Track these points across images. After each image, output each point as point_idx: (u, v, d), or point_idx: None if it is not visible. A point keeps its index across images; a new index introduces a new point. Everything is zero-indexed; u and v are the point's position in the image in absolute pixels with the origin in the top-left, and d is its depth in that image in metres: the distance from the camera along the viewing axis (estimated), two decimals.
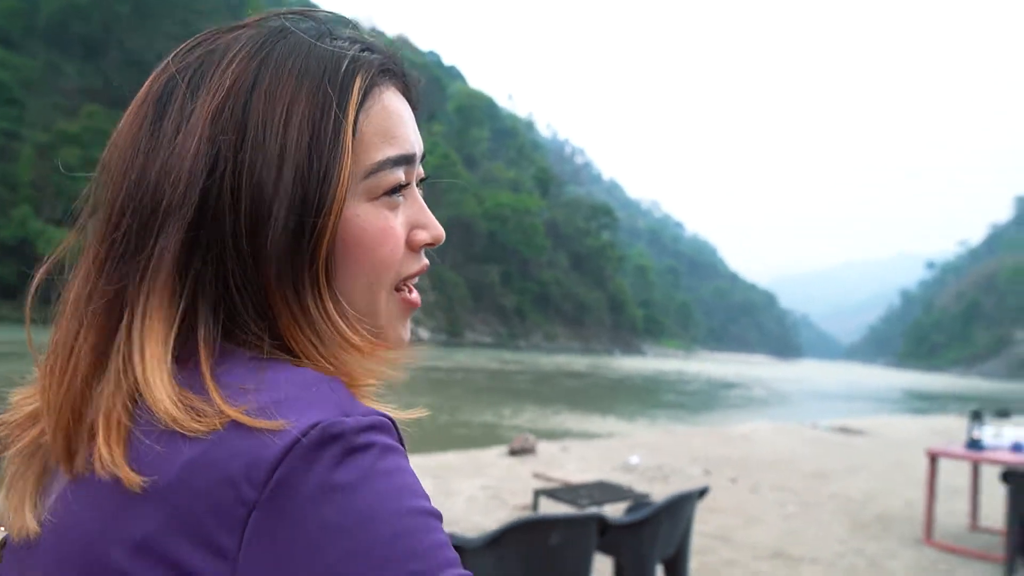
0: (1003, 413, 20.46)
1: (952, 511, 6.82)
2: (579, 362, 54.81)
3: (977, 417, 5.78)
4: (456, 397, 19.18)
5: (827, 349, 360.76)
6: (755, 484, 7.35)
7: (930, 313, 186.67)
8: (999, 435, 6.03)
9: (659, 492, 6.57)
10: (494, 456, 7.54)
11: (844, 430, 12.22)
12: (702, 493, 3.64)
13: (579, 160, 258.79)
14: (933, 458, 5.76)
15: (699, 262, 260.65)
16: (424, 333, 76.44)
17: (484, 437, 10.12)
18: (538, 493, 5.12)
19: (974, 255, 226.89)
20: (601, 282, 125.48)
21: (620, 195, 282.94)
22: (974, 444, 5.72)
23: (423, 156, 0.61)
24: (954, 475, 7.09)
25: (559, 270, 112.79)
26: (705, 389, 35.62)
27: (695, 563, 4.62)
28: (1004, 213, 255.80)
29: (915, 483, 7.26)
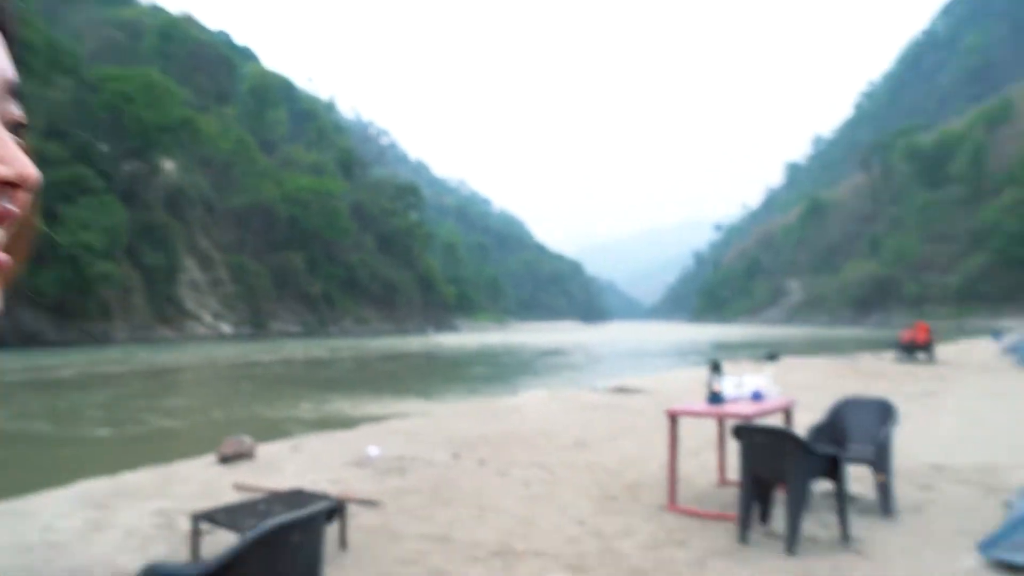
0: (772, 356, 21.80)
1: (707, 466, 6.51)
2: (390, 344, 53.48)
3: (716, 369, 5.38)
4: (246, 392, 17.46)
5: (632, 311, 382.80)
6: (507, 464, 6.69)
7: (718, 271, 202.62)
8: (741, 385, 5.70)
9: (391, 487, 5.68)
10: (198, 467, 6.33)
11: (622, 390, 12.07)
12: (331, 514, 2.73)
13: (384, 141, 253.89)
14: (673, 418, 5.30)
15: (507, 236, 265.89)
16: (226, 328, 71.58)
17: (266, 431, 8.82)
18: (197, 518, 4.02)
19: (754, 217, 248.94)
20: (410, 262, 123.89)
21: (427, 174, 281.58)
22: (714, 398, 5.32)
23: (17, 91, 0.48)
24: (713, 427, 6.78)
25: (366, 252, 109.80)
26: (521, 359, 35.68)
27: None
28: (777, 178, 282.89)
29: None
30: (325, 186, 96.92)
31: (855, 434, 5.37)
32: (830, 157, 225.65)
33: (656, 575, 3.88)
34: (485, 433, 8.24)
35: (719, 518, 4.90)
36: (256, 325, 75.53)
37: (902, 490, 5.47)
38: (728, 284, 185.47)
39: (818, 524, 4.72)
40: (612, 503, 5.38)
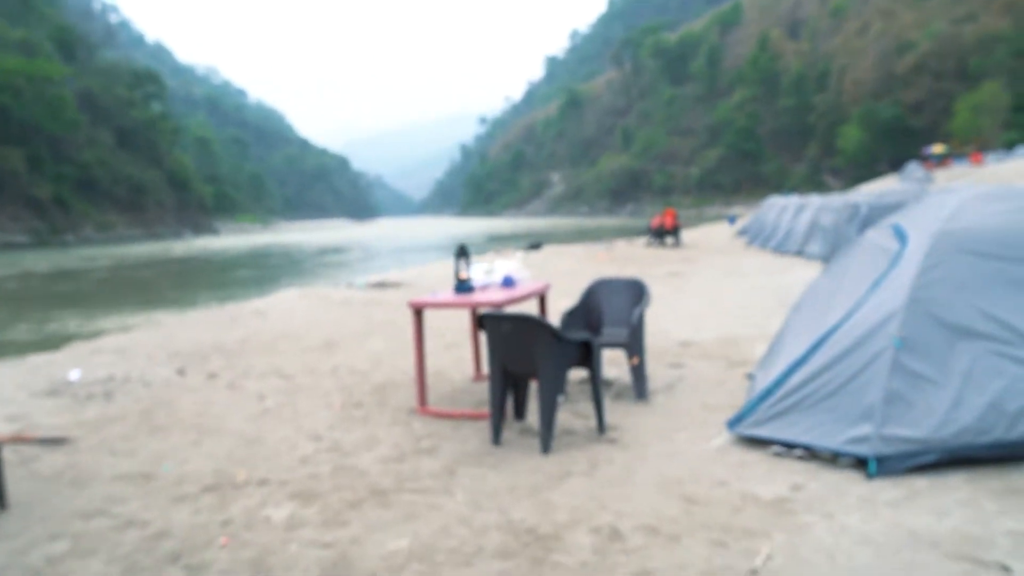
0: (535, 245, 22.27)
1: (463, 361, 6.12)
2: (139, 250, 48.49)
3: (463, 255, 4.87)
4: None
5: (401, 206, 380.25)
6: (240, 375, 5.86)
7: (484, 164, 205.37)
8: (491, 272, 5.27)
9: (90, 417, 4.67)
10: None
11: (381, 285, 11.47)
12: None
13: (113, 19, 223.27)
14: (418, 311, 4.76)
15: (267, 130, 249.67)
16: None
17: None
18: None
19: (516, 110, 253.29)
20: (157, 159, 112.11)
21: (169, 60, 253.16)
22: (461, 286, 4.83)
23: None
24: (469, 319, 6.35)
25: (103, 149, 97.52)
26: (285, 260, 33.70)
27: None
28: (537, 72, 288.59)
29: (433, 334, 6.45)
30: (40, 69, 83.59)
31: (609, 317, 5.18)
32: (586, 52, 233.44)
33: (398, 494, 3.37)
34: (221, 342, 7.28)
35: (473, 418, 4.52)
36: None
37: (654, 370, 5.44)
38: (494, 177, 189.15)
39: (574, 415, 4.50)
40: (356, 411, 4.81)
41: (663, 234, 21.46)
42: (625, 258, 17.20)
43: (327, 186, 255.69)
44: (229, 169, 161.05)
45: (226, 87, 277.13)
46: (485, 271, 5.21)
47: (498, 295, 4.66)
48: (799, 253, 15.73)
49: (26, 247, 66.12)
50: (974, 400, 3.31)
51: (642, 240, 23.48)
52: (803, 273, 12.08)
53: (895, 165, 68.37)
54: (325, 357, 6.54)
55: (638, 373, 4.73)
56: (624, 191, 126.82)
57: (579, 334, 4.22)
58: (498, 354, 3.92)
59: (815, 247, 14.91)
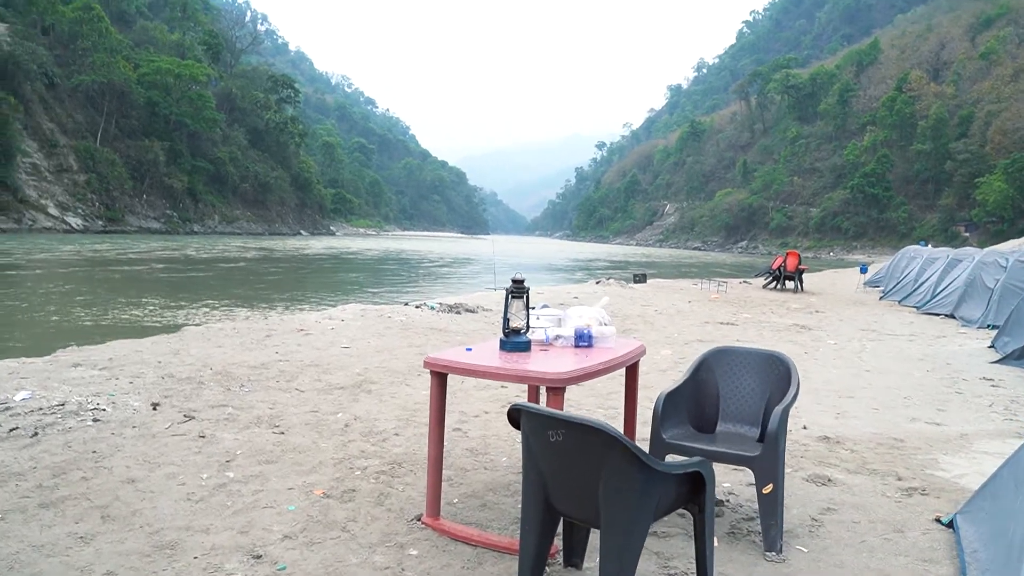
0: (640, 277, 20.41)
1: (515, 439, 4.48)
2: (256, 245, 49.56)
3: (519, 292, 3.28)
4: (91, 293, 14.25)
5: (512, 224, 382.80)
6: (224, 419, 4.46)
7: (599, 189, 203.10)
8: (562, 321, 3.66)
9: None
10: None
11: (455, 308, 10.01)
12: None
13: (261, 27, 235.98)
14: (440, 376, 3.16)
15: (390, 140, 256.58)
16: (75, 221, 64.70)
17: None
18: None
19: (636, 137, 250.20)
20: (285, 160, 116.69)
21: (307, 68, 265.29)
22: (511, 342, 3.24)
23: None
24: None
25: (236, 147, 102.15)
26: (385, 267, 33.15)
27: None
28: (659, 101, 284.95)
29: (479, 382, 4.87)
30: (189, 70, 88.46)
31: (729, 408, 3.46)
32: (711, 83, 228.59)
33: None
34: (233, 365, 5.96)
35: (504, 551, 2.91)
36: (110, 219, 69.06)
37: (787, 486, 3.68)
38: (607, 202, 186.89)
39: (659, 562, 2.82)
40: (339, 506, 3.28)
41: (784, 277, 19.21)
42: (741, 301, 15.15)
43: (443, 198, 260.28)
44: (351, 174, 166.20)
45: (356, 96, 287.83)
46: (554, 320, 3.61)
47: (562, 362, 3.04)
48: (951, 316, 13.27)
49: (157, 233, 69.28)
50: None
51: (758, 281, 21.23)
52: (969, 344, 9.83)
53: None
54: (346, 404, 5.07)
55: (770, 507, 2.99)
56: (739, 227, 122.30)
57: (682, 461, 2.49)
58: (539, 478, 2.30)
59: (974, 311, 12.46)
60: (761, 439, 3.23)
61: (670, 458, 3.19)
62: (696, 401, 3.45)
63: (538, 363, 3.01)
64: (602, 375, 3.11)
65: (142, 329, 10.05)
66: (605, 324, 3.63)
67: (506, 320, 3.27)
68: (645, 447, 3.21)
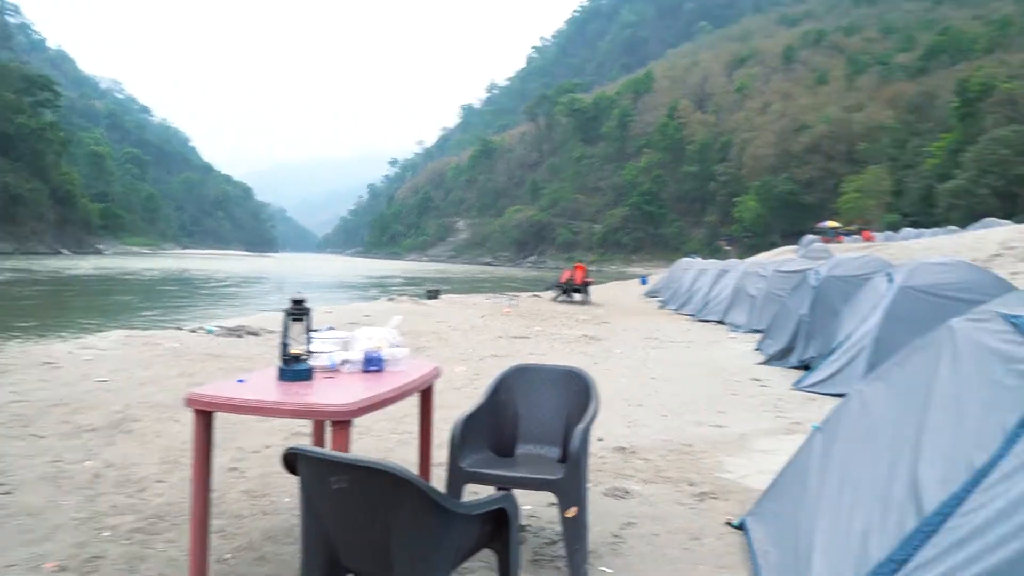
0: (433, 293, 20.26)
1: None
2: (6, 265, 43.66)
3: (299, 314, 2.91)
4: None
5: (303, 241, 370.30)
6: None
7: (392, 206, 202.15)
8: (349, 343, 3.33)
9: None
10: None
11: (237, 331, 9.25)
12: None
13: (12, 20, 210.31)
14: (204, 414, 2.71)
15: (168, 152, 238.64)
16: None
17: None
18: None
19: (429, 154, 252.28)
20: (42, 170, 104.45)
21: (70, 69, 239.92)
22: (291, 371, 2.87)
23: None
24: None
25: None
26: (153, 289, 30.38)
27: None
28: (452, 119, 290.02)
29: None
30: None
31: (530, 429, 3.31)
32: (502, 104, 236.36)
33: None
34: None
35: None
36: None
37: (590, 502, 3.59)
38: (400, 219, 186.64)
39: None
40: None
41: (572, 289, 19.97)
42: (533, 314, 15.48)
43: (227, 214, 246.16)
44: (123, 188, 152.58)
45: (129, 103, 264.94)
46: (339, 344, 3.27)
47: (349, 391, 2.71)
48: (721, 322, 14.40)
49: None
50: None
51: (548, 294, 21.92)
52: (738, 347, 10.64)
53: (787, 237, 70.89)
54: (98, 448, 4.36)
55: (574, 531, 2.85)
56: (528, 243, 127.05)
57: (483, 499, 2.25)
58: (321, 531, 1.96)
59: (740, 316, 13.60)
60: (563, 459, 3.10)
61: (469, 489, 2.97)
62: (495, 423, 3.25)
63: (321, 393, 2.67)
64: (394, 402, 2.82)
65: None
66: (397, 345, 3.35)
67: (284, 345, 2.89)
68: (442, 473, 2.96)
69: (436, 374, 3.34)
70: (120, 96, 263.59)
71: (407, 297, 17.53)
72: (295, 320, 2.90)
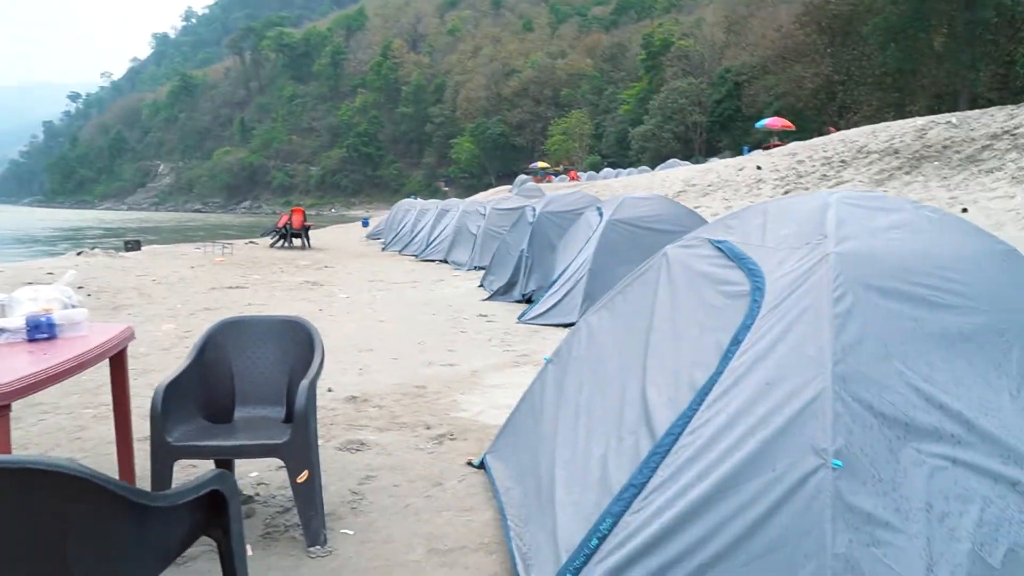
0: (133, 244, 18.24)
1: None
2: None
3: None
4: None
5: None
6: None
7: (76, 147, 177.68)
8: (7, 304, 2.71)
9: None
10: None
11: None
12: None
13: None
14: None
15: None
16: None
17: None
18: None
19: (117, 89, 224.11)
20: None
21: None
22: None
23: None
24: None
25: None
26: None
27: None
28: (144, 50, 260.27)
29: None
30: None
31: (249, 388, 2.94)
32: (202, 35, 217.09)
33: None
34: None
35: None
36: None
37: (322, 463, 3.32)
38: (89, 163, 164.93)
39: None
40: None
41: (291, 234, 19.03)
42: (249, 262, 14.48)
43: None
44: None
45: None
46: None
47: (9, 366, 2.17)
48: (444, 261, 14.59)
49: None
50: (951, 553, 1.86)
51: (265, 240, 20.73)
52: (463, 284, 10.81)
53: (501, 177, 74.42)
54: None
55: (307, 496, 2.58)
56: (241, 187, 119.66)
57: (190, 483, 1.85)
58: None
59: (462, 255, 13.86)
60: (288, 420, 2.80)
61: (184, 465, 2.57)
62: (206, 387, 2.84)
63: None
64: (73, 375, 2.32)
65: None
66: (73, 306, 2.78)
67: None
68: (146, 449, 2.53)
69: (128, 335, 2.83)
70: None
71: (100, 251, 15.48)
72: None
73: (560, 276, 7.47)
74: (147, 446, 2.51)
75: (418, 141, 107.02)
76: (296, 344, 2.95)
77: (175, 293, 9.50)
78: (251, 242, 20.85)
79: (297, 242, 18.89)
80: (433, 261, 14.86)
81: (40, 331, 2.56)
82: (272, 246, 18.95)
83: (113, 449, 2.90)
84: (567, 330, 6.68)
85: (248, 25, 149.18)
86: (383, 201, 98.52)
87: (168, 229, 43.49)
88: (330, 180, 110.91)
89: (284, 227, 19.00)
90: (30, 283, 8.99)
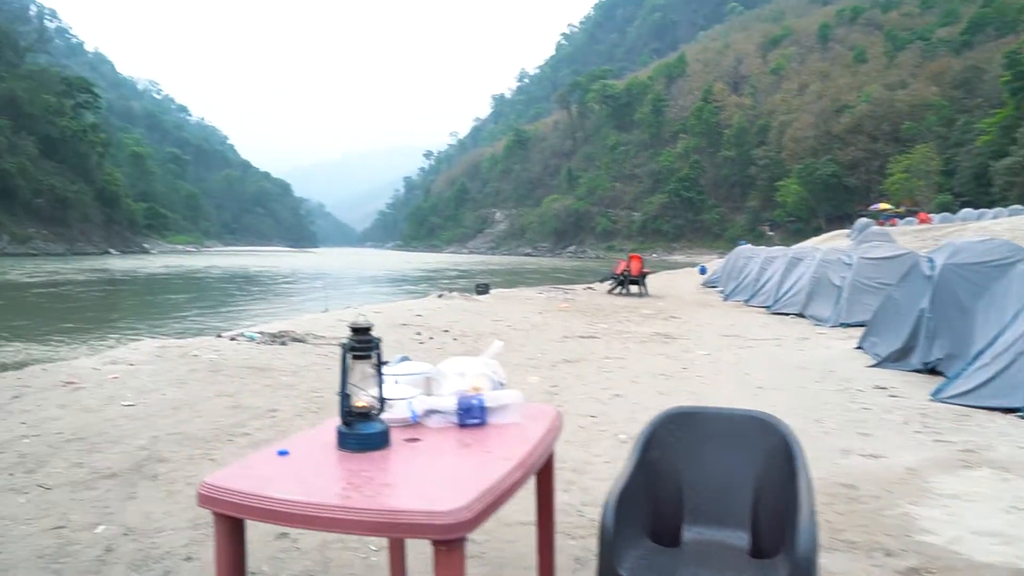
0: (482, 288, 19.37)
1: None
2: (52, 267, 43.95)
3: (366, 347, 1.96)
4: None
5: (342, 236, 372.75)
6: None
7: (428, 199, 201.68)
8: (437, 379, 2.38)
9: None
10: None
11: (279, 338, 8.37)
12: None
13: (49, 24, 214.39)
14: (233, 523, 1.77)
15: (207, 150, 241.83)
16: None
17: None
18: None
19: (462, 145, 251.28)
20: (86, 172, 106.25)
21: (108, 72, 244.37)
22: (359, 435, 1.91)
23: None
24: None
25: (24, 157, 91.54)
26: (199, 287, 30.00)
27: None
28: (484, 110, 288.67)
29: None
30: None
31: (702, 503, 2.30)
32: (533, 93, 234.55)
33: None
34: None
35: None
36: None
37: None
38: (437, 212, 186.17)
39: None
40: None
41: (629, 281, 18.86)
42: (592, 309, 14.42)
43: (267, 211, 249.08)
44: (165, 187, 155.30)
45: (167, 103, 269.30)
46: (412, 379, 2.31)
47: (451, 473, 1.75)
48: (800, 315, 13.16)
49: None
50: None
51: (602, 286, 20.85)
52: (834, 345, 9.45)
53: (832, 221, 68.65)
54: (115, 505, 3.47)
55: None
56: (568, 232, 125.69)
57: None
58: None
59: (823, 310, 12.34)
60: (755, 551, 2.10)
61: None
62: (651, 499, 2.26)
63: (409, 486, 1.69)
64: (522, 486, 1.85)
65: None
66: (502, 384, 2.38)
67: (344, 396, 1.93)
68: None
69: (558, 424, 2.35)
70: (158, 96, 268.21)
71: (457, 293, 16.57)
72: (359, 358, 1.94)
73: (991, 345, 5.97)
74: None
75: (741, 184, 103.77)
76: (764, 449, 2.25)
77: (531, 340, 9.52)
78: (589, 287, 21.11)
79: (634, 288, 18.67)
80: (787, 315, 13.51)
81: (472, 415, 2.16)
82: (610, 292, 18.93)
83: (531, 563, 2.42)
84: (1009, 415, 5.26)
85: (574, 80, 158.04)
86: (704, 246, 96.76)
87: (505, 271, 46.60)
88: (651, 225, 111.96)
89: (622, 273, 18.90)
90: (404, 325, 9.52)
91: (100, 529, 3.21)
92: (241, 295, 25.81)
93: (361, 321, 1.92)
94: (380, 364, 1.95)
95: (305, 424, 4.92)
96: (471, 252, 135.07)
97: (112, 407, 5.33)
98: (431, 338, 9.23)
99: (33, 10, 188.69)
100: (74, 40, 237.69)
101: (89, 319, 16.00)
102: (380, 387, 1.95)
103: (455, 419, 2.16)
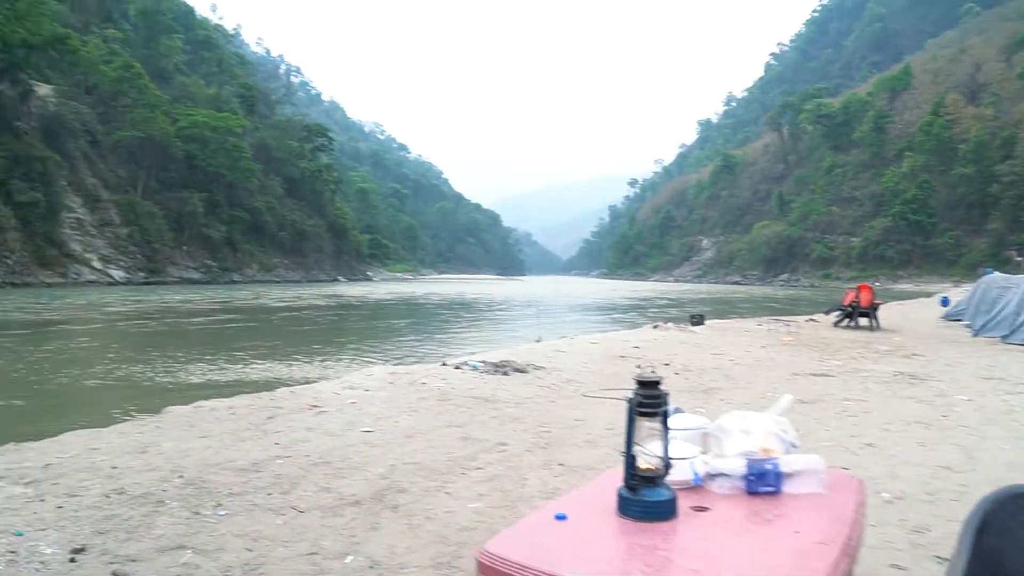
0: (697, 319, 18.70)
1: None
2: (294, 293, 48.77)
3: (653, 407, 1.76)
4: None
5: (548, 264, 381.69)
6: None
7: (633, 226, 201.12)
8: (718, 436, 2.12)
9: None
10: None
11: (502, 367, 8.45)
12: None
13: (294, 79, 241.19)
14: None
15: (424, 185, 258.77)
16: (118, 273, 65.10)
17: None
18: None
19: (667, 173, 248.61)
20: (320, 207, 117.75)
21: (340, 117, 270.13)
22: (647, 506, 1.70)
23: None
24: None
25: (272, 196, 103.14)
26: (423, 312, 31.85)
27: None
28: (690, 136, 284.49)
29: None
30: (225, 122, 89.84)
31: None
32: (741, 116, 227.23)
33: None
34: (215, 465, 4.45)
35: None
36: (151, 271, 69.53)
37: None
38: (643, 240, 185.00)
39: None
40: None
41: (858, 313, 17.36)
42: (819, 343, 13.37)
43: (477, 240, 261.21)
44: (386, 220, 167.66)
45: (389, 143, 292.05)
46: (689, 434, 2.08)
47: (763, 557, 1.50)
48: None
49: (198, 283, 69.37)
50: None
51: (826, 318, 19.39)
52: None
53: None
54: (360, 534, 3.53)
55: None
56: (779, 259, 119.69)
57: None
58: None
59: None
60: None
61: None
62: None
63: (716, 570, 1.46)
64: (841, 573, 1.54)
65: (171, 391, 8.66)
66: (793, 446, 2.08)
67: (630, 457, 1.73)
68: None
69: (863, 498, 2.00)
70: (381, 137, 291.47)
71: (672, 324, 16.10)
72: (645, 415, 1.74)
73: None
74: None
75: (980, 205, 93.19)
76: None
77: (757, 378, 8.91)
78: (811, 319, 19.73)
79: (864, 321, 17.16)
80: None
81: (765, 483, 1.89)
82: (836, 325, 17.54)
83: None
84: None
85: (785, 100, 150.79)
86: (935, 273, 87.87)
87: (714, 300, 44.99)
88: (873, 251, 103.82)
89: (851, 305, 17.45)
90: (622, 356, 9.27)
91: (348, 559, 3.26)
92: (456, 321, 26.89)
93: (648, 374, 1.72)
94: (667, 422, 1.74)
95: (536, 461, 4.82)
96: (677, 280, 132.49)
97: (352, 432, 5.57)
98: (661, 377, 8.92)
99: (283, 68, 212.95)
100: (313, 91, 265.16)
101: (323, 340, 17.35)
102: (666, 448, 1.74)
103: (742, 484, 1.90)
